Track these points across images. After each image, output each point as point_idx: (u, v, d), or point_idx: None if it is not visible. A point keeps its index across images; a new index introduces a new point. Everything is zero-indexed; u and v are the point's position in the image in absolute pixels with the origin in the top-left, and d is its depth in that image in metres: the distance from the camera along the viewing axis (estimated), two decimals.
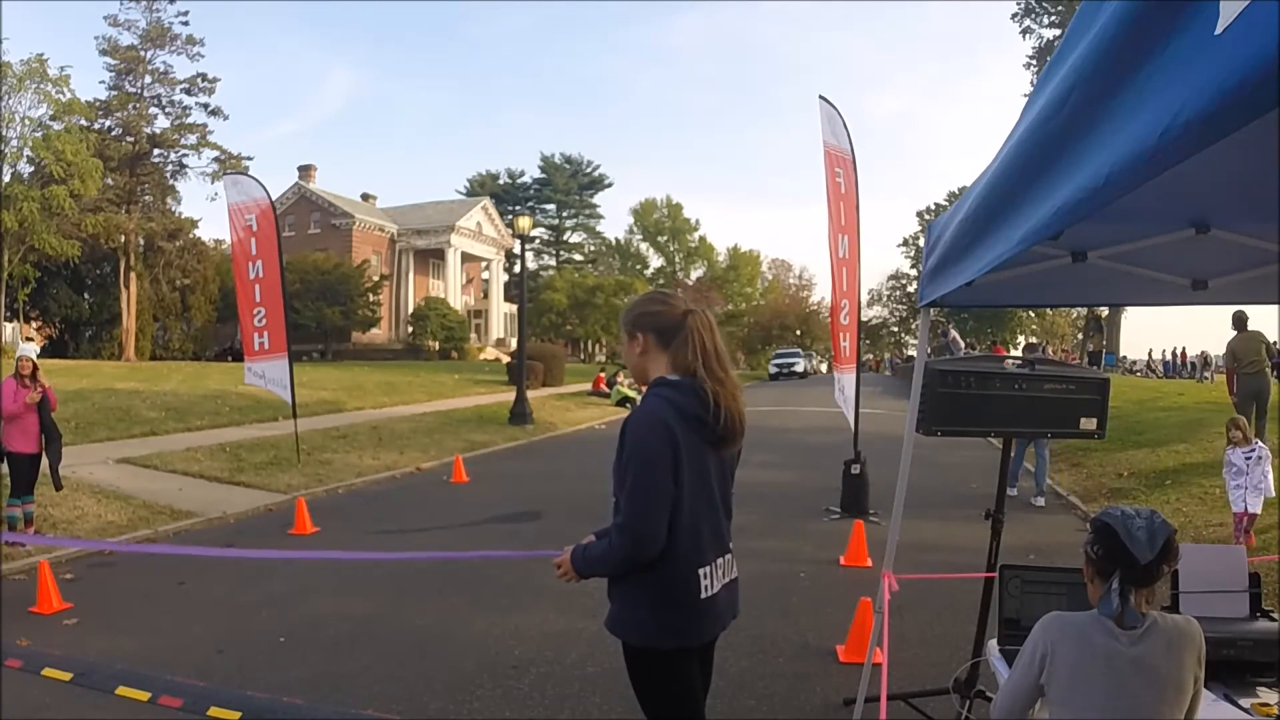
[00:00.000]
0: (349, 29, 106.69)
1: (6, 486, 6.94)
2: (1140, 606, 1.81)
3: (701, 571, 2.18)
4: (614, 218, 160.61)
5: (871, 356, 60.81)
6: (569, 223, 71.40)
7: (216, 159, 38.74)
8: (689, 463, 2.13)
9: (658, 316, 2.25)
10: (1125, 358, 40.47)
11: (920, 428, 3.16)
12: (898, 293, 64.44)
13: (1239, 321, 10.15)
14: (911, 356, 44.99)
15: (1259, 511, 6.44)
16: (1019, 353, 20.36)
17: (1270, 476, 6.45)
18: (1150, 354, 40.33)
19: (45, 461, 6.97)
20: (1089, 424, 3.25)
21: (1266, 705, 2.37)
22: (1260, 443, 6.57)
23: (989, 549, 3.47)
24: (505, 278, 55.37)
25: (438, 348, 44.27)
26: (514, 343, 30.34)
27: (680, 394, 2.16)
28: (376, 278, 44.98)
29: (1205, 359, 31.66)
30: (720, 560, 2.26)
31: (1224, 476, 6.74)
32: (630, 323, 2.30)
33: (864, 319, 47.24)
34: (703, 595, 2.18)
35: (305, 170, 50.71)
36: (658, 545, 2.08)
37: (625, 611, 2.20)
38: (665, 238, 68.89)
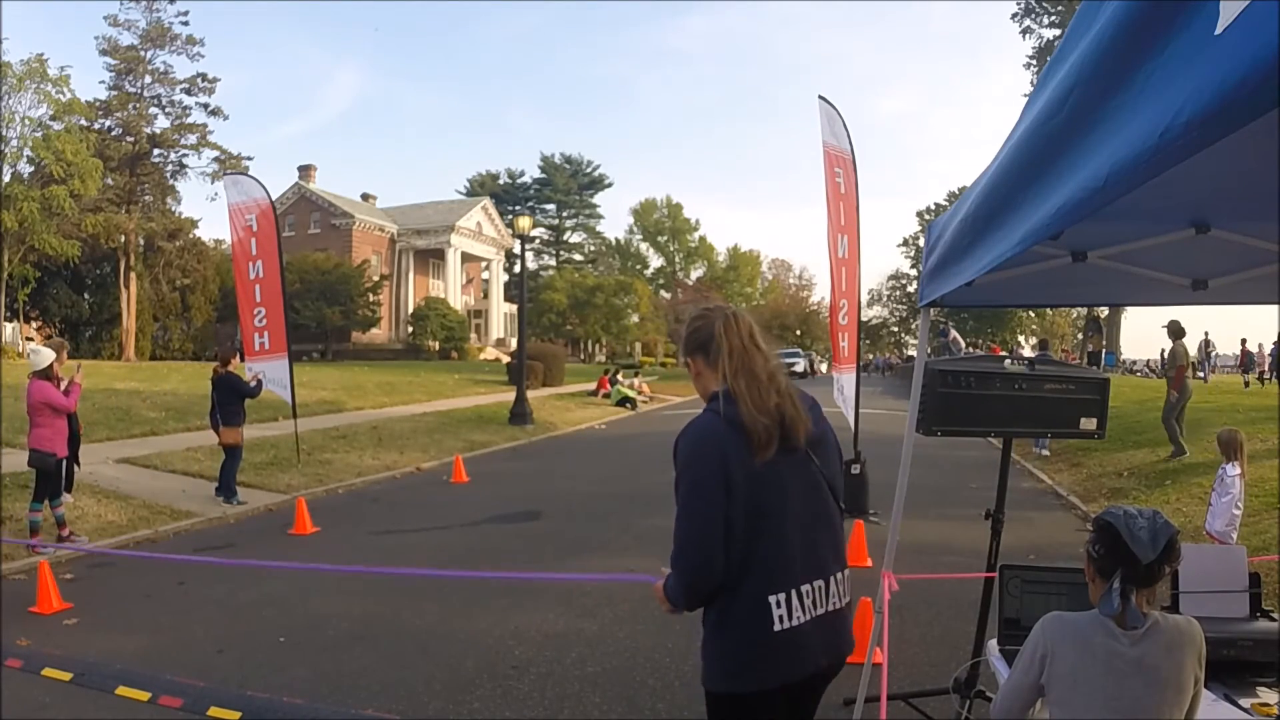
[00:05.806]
0: (351, 31, 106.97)
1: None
2: (1141, 606, 1.80)
3: (773, 599, 1.94)
4: (614, 218, 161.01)
5: (871, 357, 60.87)
6: (569, 223, 71.44)
7: (216, 159, 38.76)
8: (752, 478, 1.94)
9: (697, 333, 2.14)
10: (1129, 348, 40.44)
11: (920, 428, 3.15)
12: (898, 293, 64.51)
13: (1178, 330, 10.76)
14: (911, 356, 45.00)
15: (1226, 541, 5.35)
16: (1027, 353, 20.34)
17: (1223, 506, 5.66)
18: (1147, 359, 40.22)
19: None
20: (1089, 424, 3.25)
21: (1266, 705, 2.37)
22: (1229, 471, 5.67)
23: (989, 549, 3.47)
24: (505, 278, 55.37)
25: (438, 348, 44.27)
26: (514, 343, 30.32)
27: (729, 403, 1.99)
28: (376, 278, 44.99)
29: (1207, 352, 31.44)
30: (812, 586, 2.00)
31: None
32: (681, 348, 2.21)
33: (864, 319, 47.25)
34: (776, 628, 1.93)
35: (305, 170, 50.74)
36: (713, 572, 1.91)
37: (704, 653, 2.02)
38: (665, 238, 69.00)
